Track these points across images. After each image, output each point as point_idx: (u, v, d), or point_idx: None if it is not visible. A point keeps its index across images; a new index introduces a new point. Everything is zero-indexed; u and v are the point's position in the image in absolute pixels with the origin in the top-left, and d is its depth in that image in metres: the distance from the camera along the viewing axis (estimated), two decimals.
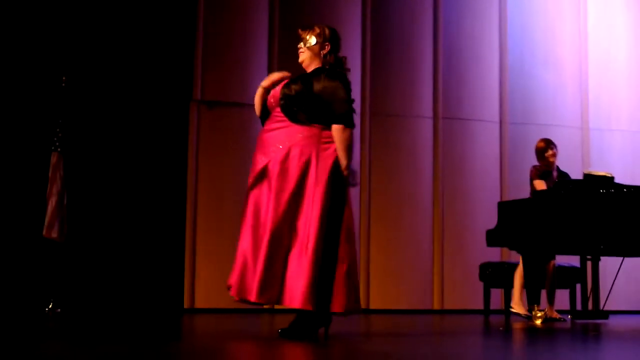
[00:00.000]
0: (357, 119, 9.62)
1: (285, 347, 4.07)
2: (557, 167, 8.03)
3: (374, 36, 10.00)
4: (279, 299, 4.60)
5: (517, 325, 6.77)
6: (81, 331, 4.99)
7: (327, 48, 4.98)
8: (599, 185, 7.04)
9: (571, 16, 10.78)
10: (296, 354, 3.76)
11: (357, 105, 9.68)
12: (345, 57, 5.04)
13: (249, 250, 4.61)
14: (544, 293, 7.56)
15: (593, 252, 7.31)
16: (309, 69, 4.96)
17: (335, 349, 4.11)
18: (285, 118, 4.78)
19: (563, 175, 7.95)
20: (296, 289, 4.51)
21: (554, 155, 7.97)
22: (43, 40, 8.57)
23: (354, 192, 9.52)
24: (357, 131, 9.66)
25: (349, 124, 4.72)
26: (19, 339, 4.30)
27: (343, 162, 4.69)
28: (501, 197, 9.91)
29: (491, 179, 10.15)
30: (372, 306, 9.55)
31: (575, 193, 6.86)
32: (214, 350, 3.95)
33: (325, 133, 4.75)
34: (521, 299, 7.74)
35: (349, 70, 5.04)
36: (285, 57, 9.44)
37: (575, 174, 10.15)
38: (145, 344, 4.08)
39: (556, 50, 10.66)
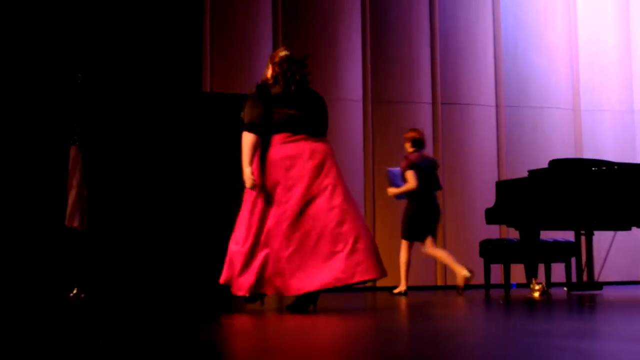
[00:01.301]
0: (359, 105, 9.69)
1: (302, 325, 4.05)
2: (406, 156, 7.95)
3: (373, 28, 9.97)
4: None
5: (516, 298, 6.76)
6: (103, 315, 4.99)
7: (270, 68, 5.14)
8: (591, 164, 7.01)
9: (561, 3, 10.72)
10: (320, 331, 3.75)
11: (359, 93, 9.76)
12: (284, 57, 5.13)
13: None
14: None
15: (586, 227, 7.29)
16: None
17: (346, 324, 4.09)
18: None
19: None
20: None
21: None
22: (59, 41, 8.57)
23: (359, 177, 9.52)
24: (359, 117, 9.68)
25: (247, 129, 4.86)
26: (45, 323, 4.30)
27: None
28: (499, 177, 9.89)
29: (489, 160, 10.12)
30: (379, 284, 9.54)
31: (568, 171, 6.82)
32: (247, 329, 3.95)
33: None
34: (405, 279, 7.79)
35: (286, 64, 5.09)
36: (288, 47, 9.41)
37: (569, 154, 10.15)
38: (162, 327, 4.08)
39: (547, 36, 10.61)
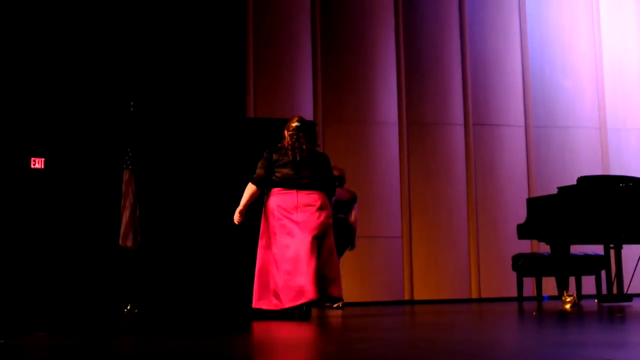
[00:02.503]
0: (395, 128, 9.66)
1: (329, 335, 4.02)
2: None
3: (407, 55, 9.96)
4: None
5: (549, 310, 6.65)
6: (154, 329, 5.01)
7: (285, 135, 5.78)
8: (618, 180, 6.91)
9: (586, 27, 10.62)
10: (344, 342, 3.72)
11: (394, 116, 9.73)
12: (295, 127, 5.73)
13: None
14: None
15: (615, 240, 7.17)
16: None
17: (379, 337, 4.05)
18: None
19: None
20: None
21: None
22: (113, 73, 8.73)
23: (395, 195, 9.48)
24: (395, 139, 9.65)
25: (252, 181, 5.90)
26: (101, 335, 4.32)
27: None
28: (529, 193, 9.79)
29: (519, 178, 10.02)
30: (417, 297, 9.47)
31: (596, 188, 6.73)
32: (272, 343, 3.93)
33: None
34: None
35: (295, 135, 5.71)
36: (327, 75, 9.45)
37: (596, 171, 10.00)
38: (211, 338, 4.08)
39: (573, 58, 10.51)
